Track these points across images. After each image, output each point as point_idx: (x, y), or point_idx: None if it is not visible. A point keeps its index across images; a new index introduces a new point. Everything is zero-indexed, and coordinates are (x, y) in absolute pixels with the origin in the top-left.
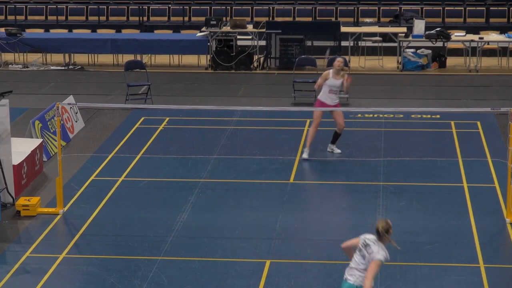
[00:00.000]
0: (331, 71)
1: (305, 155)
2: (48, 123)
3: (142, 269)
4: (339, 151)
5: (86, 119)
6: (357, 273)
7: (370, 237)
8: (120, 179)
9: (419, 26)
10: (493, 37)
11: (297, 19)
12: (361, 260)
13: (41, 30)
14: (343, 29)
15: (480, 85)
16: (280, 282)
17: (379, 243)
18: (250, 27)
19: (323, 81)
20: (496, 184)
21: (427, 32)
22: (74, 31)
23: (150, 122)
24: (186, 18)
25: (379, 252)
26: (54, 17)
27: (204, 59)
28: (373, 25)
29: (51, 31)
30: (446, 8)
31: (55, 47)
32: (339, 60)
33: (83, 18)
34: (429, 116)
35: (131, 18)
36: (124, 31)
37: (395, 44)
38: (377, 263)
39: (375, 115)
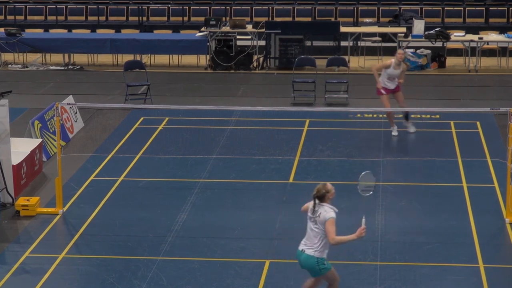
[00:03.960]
0: (393, 61)
1: (394, 133)
2: (48, 123)
3: (141, 269)
4: (413, 129)
5: (86, 119)
6: (315, 245)
7: (312, 204)
8: (120, 179)
9: (418, 26)
10: (492, 37)
11: (296, 19)
12: (312, 226)
13: (41, 30)
14: (343, 29)
15: (479, 85)
16: (279, 282)
17: (322, 205)
18: (249, 27)
19: (381, 67)
20: (496, 184)
21: (426, 32)
22: (74, 31)
23: (150, 122)
24: (186, 18)
25: (327, 211)
26: (54, 17)
27: (203, 59)
28: (373, 25)
29: (51, 31)
30: (445, 8)
31: (54, 47)
32: (400, 52)
33: (83, 18)
34: (428, 116)
35: (130, 18)
36: (123, 31)
37: (395, 44)
38: (331, 221)
39: (375, 115)
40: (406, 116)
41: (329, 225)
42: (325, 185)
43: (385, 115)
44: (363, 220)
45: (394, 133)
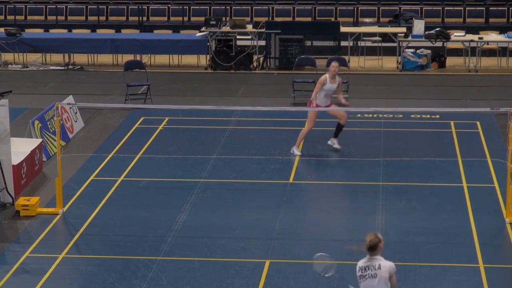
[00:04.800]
0: (327, 75)
1: (297, 152)
2: (48, 123)
3: (141, 269)
4: (338, 146)
5: (86, 119)
6: None
7: (363, 261)
8: (120, 179)
9: (418, 26)
10: (492, 37)
11: (296, 19)
12: (373, 283)
13: (41, 30)
14: (343, 29)
15: (479, 85)
16: (279, 282)
17: (378, 257)
18: (249, 27)
19: (320, 87)
20: (496, 184)
21: (426, 32)
22: (74, 31)
23: (150, 122)
24: (186, 18)
25: (389, 263)
26: (54, 17)
27: (203, 59)
28: (373, 25)
29: (51, 31)
30: (445, 8)
31: (54, 47)
32: (334, 65)
33: (83, 18)
34: (428, 116)
35: (130, 18)
36: (123, 31)
37: (395, 44)
38: (395, 272)
39: (375, 115)
40: (338, 130)
41: (395, 276)
42: (377, 234)
43: (385, 115)
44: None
45: (297, 152)
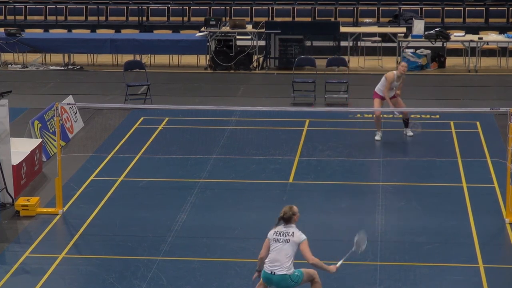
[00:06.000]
0: (395, 73)
1: (377, 137)
2: (48, 123)
3: (141, 269)
4: (411, 133)
5: (86, 119)
6: (285, 264)
7: (279, 227)
8: (120, 179)
9: (418, 26)
10: (492, 37)
11: (296, 19)
12: (283, 247)
13: (41, 30)
14: (343, 29)
15: (479, 85)
16: None
17: (292, 226)
18: (249, 27)
19: (390, 84)
20: (496, 184)
21: (426, 32)
22: (74, 31)
23: (150, 122)
24: (186, 18)
25: (301, 233)
26: (54, 17)
27: (203, 59)
28: (373, 25)
29: (51, 31)
30: (445, 8)
31: (54, 47)
32: (403, 65)
33: (83, 18)
34: (428, 116)
35: (130, 18)
36: (123, 31)
37: (395, 44)
38: (306, 242)
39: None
40: (406, 123)
41: (306, 245)
42: (292, 207)
43: (385, 115)
44: (340, 262)
45: (377, 137)
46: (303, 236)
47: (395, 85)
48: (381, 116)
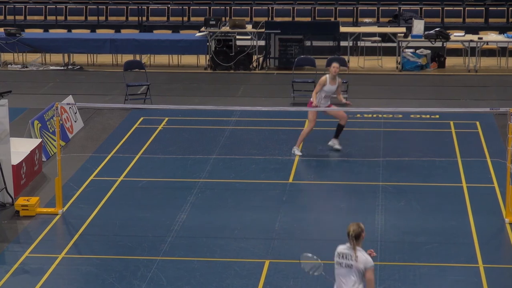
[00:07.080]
0: (327, 76)
1: (297, 152)
2: (47, 123)
3: (141, 269)
4: (339, 147)
5: (85, 119)
6: None
7: (342, 247)
8: (119, 179)
9: (418, 26)
10: (492, 37)
11: (296, 19)
12: (347, 273)
13: (40, 30)
14: (342, 29)
15: (479, 85)
16: (279, 282)
17: (358, 249)
18: (249, 27)
19: (320, 88)
20: (495, 184)
21: (426, 32)
22: (73, 31)
23: (149, 122)
24: (185, 18)
25: (367, 258)
26: (53, 17)
27: (203, 59)
28: (372, 25)
29: (50, 31)
30: (445, 8)
31: (54, 47)
32: (335, 66)
33: (82, 18)
34: (428, 116)
35: (130, 18)
36: (123, 31)
37: (394, 44)
38: (372, 269)
39: (374, 115)
40: (338, 131)
41: (371, 273)
42: (359, 224)
43: (385, 115)
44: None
45: (297, 152)
46: (370, 263)
47: (332, 90)
48: (310, 132)
